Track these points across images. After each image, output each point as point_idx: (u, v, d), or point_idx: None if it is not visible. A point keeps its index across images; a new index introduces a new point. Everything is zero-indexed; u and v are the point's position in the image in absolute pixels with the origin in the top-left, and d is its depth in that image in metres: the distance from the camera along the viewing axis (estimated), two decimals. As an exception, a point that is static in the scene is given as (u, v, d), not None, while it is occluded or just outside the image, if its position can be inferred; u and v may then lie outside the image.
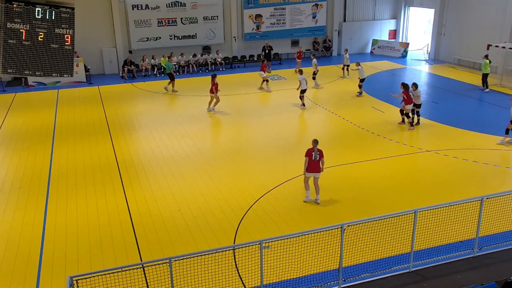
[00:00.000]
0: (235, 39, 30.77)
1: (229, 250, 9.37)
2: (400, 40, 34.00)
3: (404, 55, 32.24)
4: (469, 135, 17.08)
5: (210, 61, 29.29)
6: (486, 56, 22.76)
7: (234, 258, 9.56)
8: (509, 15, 25.35)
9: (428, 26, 31.71)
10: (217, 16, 29.89)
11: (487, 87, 22.89)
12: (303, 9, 31.73)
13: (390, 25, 34.36)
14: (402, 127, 18.13)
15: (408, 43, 32.95)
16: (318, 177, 12.17)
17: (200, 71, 28.68)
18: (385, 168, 14.45)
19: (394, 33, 34.48)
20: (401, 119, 18.30)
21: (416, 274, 9.21)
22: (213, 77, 20.64)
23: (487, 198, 9.57)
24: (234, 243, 10.49)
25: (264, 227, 11.13)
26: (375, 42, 33.78)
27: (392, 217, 9.24)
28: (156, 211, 12.16)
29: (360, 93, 22.40)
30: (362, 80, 22.11)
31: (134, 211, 12.12)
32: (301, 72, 20.55)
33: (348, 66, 26.28)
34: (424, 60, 31.11)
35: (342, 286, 8.87)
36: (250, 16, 30.80)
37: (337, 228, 8.67)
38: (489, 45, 23.84)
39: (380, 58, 31.70)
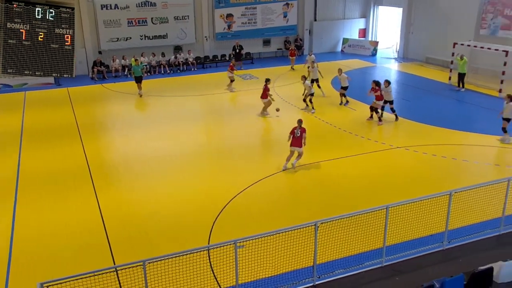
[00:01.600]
0: (207, 39, 30.66)
1: (203, 250, 9.34)
2: (370, 39, 34.51)
3: (374, 53, 32.73)
4: (438, 132, 17.47)
5: (182, 61, 29.11)
6: (462, 56, 22.77)
7: (209, 258, 9.54)
8: (473, 13, 26.03)
9: (398, 24, 32.25)
10: (188, 16, 29.72)
11: (463, 87, 23.03)
12: (274, 8, 31.85)
13: (360, 24, 34.82)
14: (372, 124, 18.42)
15: (378, 42, 33.47)
16: (300, 151, 13.95)
17: (172, 72, 28.47)
18: (357, 165, 14.65)
19: (364, 32, 34.97)
20: (370, 115, 18.67)
21: (389, 268, 9.38)
22: (266, 81, 19.79)
23: (455, 192, 9.82)
24: (208, 243, 10.47)
25: (239, 227, 11.15)
26: (345, 40, 34.18)
27: (364, 213, 9.39)
28: (130, 213, 12.02)
29: (343, 102, 21.01)
30: (344, 88, 20.76)
31: (106, 214, 11.95)
32: (305, 78, 20.25)
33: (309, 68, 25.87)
34: (394, 58, 31.66)
35: (316, 283, 8.96)
36: (221, 16, 30.74)
37: (311, 226, 8.75)
38: (455, 43, 24.42)
39: (350, 57, 32.10)
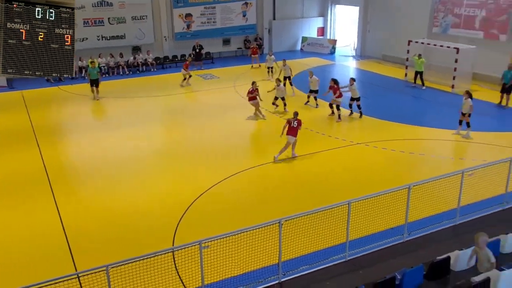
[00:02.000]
0: (166, 39, 30.32)
1: (168, 252, 9.25)
2: (328, 37, 35.03)
3: (332, 51, 33.25)
4: (396, 127, 17.94)
5: (141, 62, 28.67)
6: (420, 55, 23.31)
7: (174, 260, 9.46)
8: (425, 12, 26.88)
9: (355, 23, 32.87)
10: (146, 16, 29.30)
11: (423, 85, 23.45)
12: (233, 7, 31.84)
13: (318, 22, 35.30)
14: (333, 121, 18.73)
15: (336, 40, 34.02)
16: (293, 141, 14.96)
17: (131, 72, 28.00)
18: (318, 163, 14.87)
19: (322, 31, 35.47)
20: (331, 111, 19.00)
21: (352, 262, 9.56)
22: (253, 84, 19.27)
23: (414, 186, 10.12)
24: (173, 245, 10.38)
25: (203, 227, 11.10)
26: (304, 39, 34.57)
27: (327, 209, 9.53)
28: (90, 217, 11.76)
29: (309, 102, 20.99)
30: (314, 92, 20.49)
31: (66, 219, 11.65)
32: (279, 81, 19.94)
33: (272, 68, 25.58)
34: (352, 56, 32.27)
35: (282, 280, 9.03)
36: (180, 16, 30.47)
37: (275, 224, 8.82)
38: (409, 41, 25.14)
39: (310, 55, 32.49)
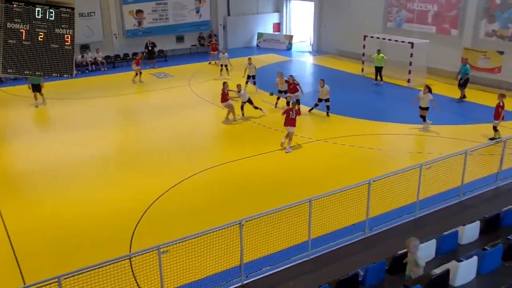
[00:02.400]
0: (116, 37, 29.65)
1: (124, 259, 9.02)
2: (284, 33, 35.28)
3: (289, 47, 33.51)
4: (354, 123, 18.27)
5: (90, 61, 27.91)
6: (379, 51, 23.63)
7: (131, 267, 9.24)
8: (380, 7, 27.53)
9: (311, 18, 33.26)
10: (94, 12, 28.53)
11: (381, 80, 23.85)
12: (186, 3, 31.52)
13: (274, 18, 35.49)
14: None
15: (292, 36, 34.31)
16: (292, 131, 15.45)
17: (80, 72, 27.20)
18: (278, 160, 14.92)
19: (278, 26, 35.69)
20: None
21: (315, 261, 9.65)
22: (224, 84, 18.33)
23: (374, 181, 10.32)
24: (130, 251, 10.15)
25: (161, 231, 10.91)
26: (260, 35, 34.67)
27: (289, 208, 9.57)
28: (40, 226, 11.31)
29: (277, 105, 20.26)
30: (285, 92, 19.78)
31: (12, 229, 11.15)
32: (240, 87, 19.12)
33: (226, 66, 25.09)
34: (308, 51, 32.64)
35: (244, 282, 9.00)
36: (130, 12, 29.86)
37: (236, 225, 8.77)
38: (365, 36, 25.67)
39: (266, 51, 32.62)
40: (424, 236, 9.20)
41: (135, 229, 11.09)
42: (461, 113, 19.29)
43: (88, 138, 17.09)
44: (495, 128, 15.87)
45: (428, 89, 16.93)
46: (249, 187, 13.24)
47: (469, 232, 9.57)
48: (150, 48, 28.61)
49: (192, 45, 32.66)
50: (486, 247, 8.81)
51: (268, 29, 35.21)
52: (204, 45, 32.58)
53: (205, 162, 14.71)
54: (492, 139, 15.42)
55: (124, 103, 21.72)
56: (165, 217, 11.66)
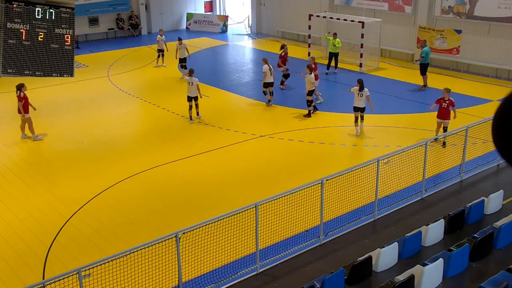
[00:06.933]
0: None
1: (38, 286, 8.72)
2: (217, 13, 35.26)
3: (224, 30, 33.54)
4: (302, 115, 18.56)
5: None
6: (335, 35, 23.39)
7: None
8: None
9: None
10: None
11: (336, 67, 23.71)
12: (100, -21, 30.78)
13: (205, -4, 35.44)
14: (228, 112, 18.89)
15: (227, 16, 34.37)
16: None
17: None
18: (218, 161, 14.92)
19: (210, 5, 35.64)
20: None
21: (265, 274, 9.74)
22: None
23: (327, 180, 10.53)
24: (43, 278, 9.81)
25: (82, 251, 10.63)
26: (190, 16, 34.47)
27: (231, 215, 9.59)
28: None
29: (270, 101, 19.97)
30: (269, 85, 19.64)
31: None
32: (265, 61, 19.25)
33: (162, 51, 24.59)
34: (247, 34, 32.83)
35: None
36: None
37: (171, 238, 8.70)
38: (310, 15, 26.13)
39: (198, 35, 32.47)
40: (384, 240, 9.54)
41: (48, 252, 10.74)
42: (418, 100, 20.08)
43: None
44: (445, 129, 15.01)
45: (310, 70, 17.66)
46: (185, 194, 13.14)
47: (433, 232, 10.02)
48: (57, 32, 27.68)
49: (109, 29, 31.95)
50: (452, 248, 9.26)
51: (199, 9, 35.07)
52: (123, 28, 31.96)
53: (133, 167, 14.44)
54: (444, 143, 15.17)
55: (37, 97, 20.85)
56: (85, 235, 11.36)
